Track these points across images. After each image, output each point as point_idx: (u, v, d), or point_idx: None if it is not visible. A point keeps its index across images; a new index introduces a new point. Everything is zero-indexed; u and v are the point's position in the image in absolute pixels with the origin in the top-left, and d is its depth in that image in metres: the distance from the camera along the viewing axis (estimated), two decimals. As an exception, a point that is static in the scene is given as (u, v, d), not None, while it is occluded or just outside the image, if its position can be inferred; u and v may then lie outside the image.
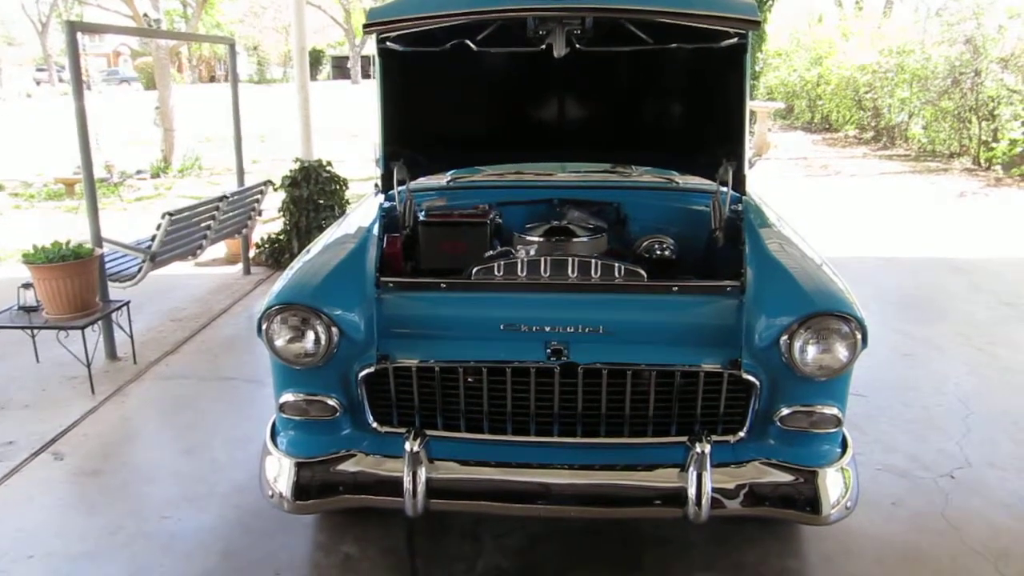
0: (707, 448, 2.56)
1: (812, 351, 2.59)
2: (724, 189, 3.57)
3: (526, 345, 2.73)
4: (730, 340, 2.71)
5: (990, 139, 13.76)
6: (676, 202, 4.09)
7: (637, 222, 4.06)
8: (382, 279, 2.88)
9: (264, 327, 2.72)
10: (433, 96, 3.93)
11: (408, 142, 3.77)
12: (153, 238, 5.68)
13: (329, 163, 7.88)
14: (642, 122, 4.07)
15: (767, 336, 2.63)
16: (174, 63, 23.31)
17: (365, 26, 3.19)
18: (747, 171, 3.60)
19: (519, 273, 2.95)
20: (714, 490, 2.57)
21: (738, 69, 3.47)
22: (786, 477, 2.70)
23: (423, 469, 2.60)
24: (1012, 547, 3.26)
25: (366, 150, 5.08)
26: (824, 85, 21.31)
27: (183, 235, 6.05)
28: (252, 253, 7.80)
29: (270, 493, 2.81)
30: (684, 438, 2.67)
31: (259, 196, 7.28)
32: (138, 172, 13.81)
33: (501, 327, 2.77)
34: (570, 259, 2.95)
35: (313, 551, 3.26)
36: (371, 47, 3.84)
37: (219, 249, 7.79)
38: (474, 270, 3.00)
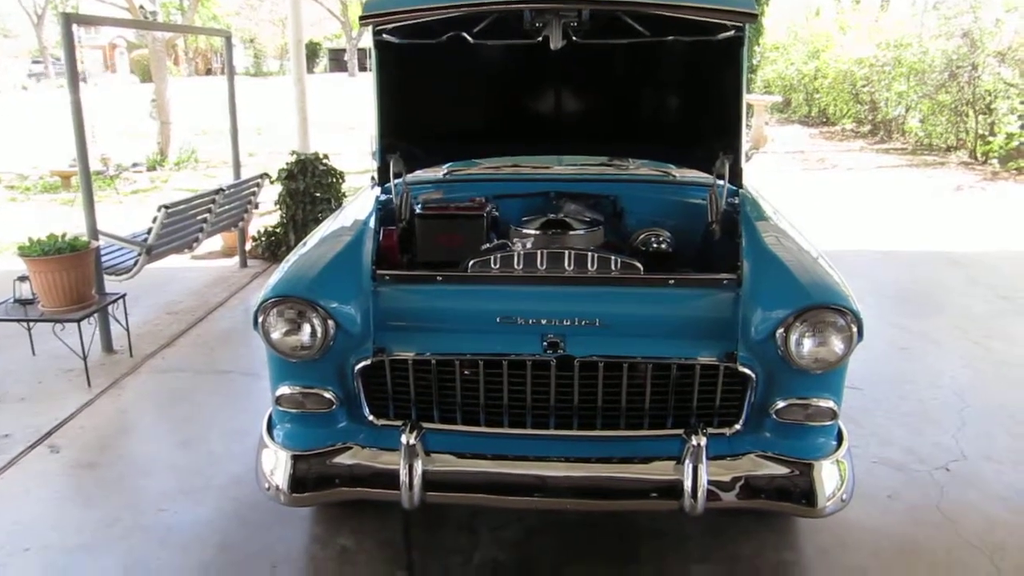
0: (703, 441, 2.56)
1: (808, 344, 2.59)
2: (721, 182, 3.56)
3: (522, 338, 2.73)
4: (726, 333, 2.72)
5: (987, 133, 13.75)
6: (673, 195, 4.09)
7: (634, 215, 4.06)
8: (378, 272, 2.88)
9: (260, 320, 2.72)
10: (429, 89, 3.92)
11: (404, 135, 3.77)
12: (149, 231, 5.66)
13: (325, 156, 7.86)
14: (639, 115, 4.06)
15: (763, 329, 2.63)
16: (170, 56, 23.25)
17: (361, 18, 3.18)
18: (744, 164, 3.59)
19: (515, 266, 2.94)
20: (710, 483, 2.57)
21: (735, 62, 3.46)
22: (782, 470, 2.70)
23: (419, 462, 2.60)
24: (1008, 540, 3.27)
25: (363, 143, 5.07)
26: (821, 79, 21.28)
27: (179, 228, 6.03)
28: (248, 246, 7.79)
29: (266, 486, 2.81)
30: (680, 431, 2.67)
31: (255, 189, 7.27)
32: (134, 165, 13.77)
33: (497, 320, 2.77)
34: (566, 252, 2.95)
35: (310, 543, 3.26)
36: (368, 40, 3.83)
37: (215, 242, 7.79)
38: (470, 263, 3.00)
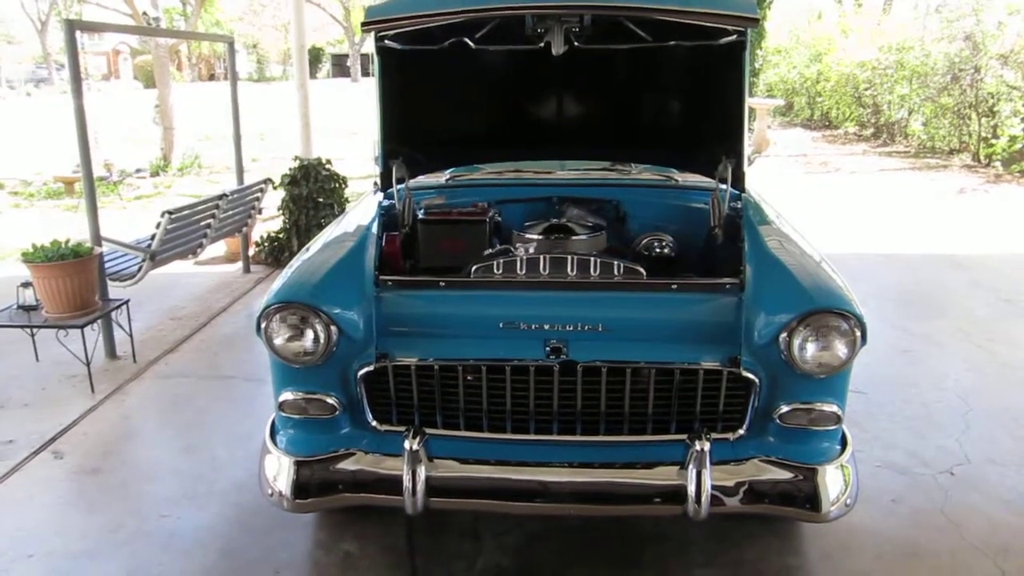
0: (706, 446, 2.56)
1: (811, 348, 2.59)
2: (723, 186, 3.56)
3: (525, 343, 2.73)
4: (729, 337, 2.71)
5: (990, 135, 13.75)
6: (675, 200, 4.09)
7: (636, 220, 4.06)
8: (381, 277, 2.88)
9: (263, 326, 2.72)
10: (432, 94, 3.93)
11: (407, 140, 3.77)
12: (153, 237, 5.67)
13: (328, 161, 7.87)
14: (641, 120, 4.06)
15: (766, 333, 2.63)
16: (174, 61, 23.30)
17: (363, 24, 3.19)
18: (746, 168, 3.60)
19: (518, 271, 2.94)
20: (714, 487, 2.57)
21: (737, 66, 3.46)
22: (786, 474, 2.70)
23: (422, 467, 2.60)
24: (1012, 543, 3.26)
25: (366, 148, 5.09)
26: (824, 82, 21.28)
27: (183, 234, 6.04)
28: (252, 251, 7.79)
29: (269, 492, 2.81)
30: (683, 436, 2.67)
31: (259, 194, 7.27)
32: (137, 171, 13.80)
33: (500, 325, 2.77)
34: (569, 257, 2.95)
35: (313, 549, 3.26)
36: (370, 45, 3.83)
37: (219, 247, 7.79)
38: (473, 268, 3.00)
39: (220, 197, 6.43)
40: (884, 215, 10.15)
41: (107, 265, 5.51)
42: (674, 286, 2.84)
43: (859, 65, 18.60)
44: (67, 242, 4.80)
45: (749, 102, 4.28)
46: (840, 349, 2.59)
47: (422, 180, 4.07)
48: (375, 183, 3.92)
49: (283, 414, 2.86)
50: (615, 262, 2.94)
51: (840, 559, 3.17)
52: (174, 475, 3.84)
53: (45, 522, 3.46)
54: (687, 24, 3.19)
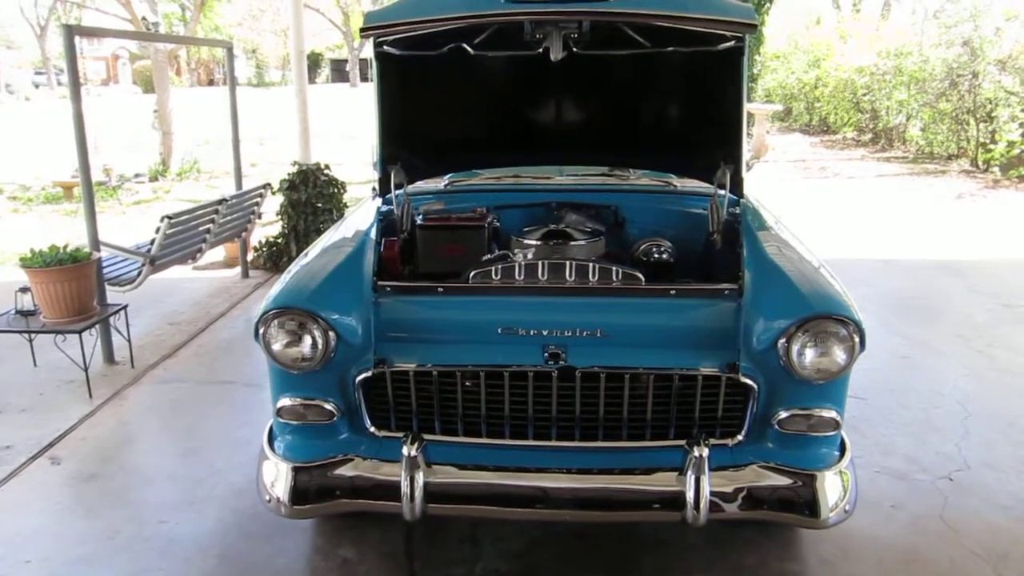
0: (705, 452, 2.55)
1: (810, 354, 2.59)
2: (722, 192, 3.56)
3: (524, 349, 2.73)
4: (728, 343, 2.71)
5: (988, 141, 13.77)
6: (674, 205, 4.09)
7: (635, 225, 4.06)
8: (379, 283, 2.88)
9: (261, 331, 2.72)
10: (430, 100, 3.93)
11: (406, 145, 3.77)
12: (153, 241, 5.67)
13: (327, 166, 7.88)
14: (640, 125, 4.07)
15: (765, 339, 2.63)
16: (173, 66, 23.29)
17: (362, 30, 3.19)
18: (745, 174, 3.59)
19: (517, 277, 2.94)
20: (712, 494, 2.56)
21: (735, 72, 3.47)
22: (784, 480, 2.69)
23: (421, 473, 2.59)
24: (1011, 549, 3.26)
25: (364, 153, 5.09)
26: (822, 87, 21.31)
27: (183, 238, 6.04)
28: (250, 256, 7.79)
29: (267, 497, 2.80)
30: (682, 442, 2.66)
31: (258, 199, 7.28)
32: (136, 175, 13.80)
33: (499, 331, 2.77)
34: (568, 262, 2.95)
35: (311, 555, 3.25)
36: (369, 50, 3.83)
37: (217, 252, 7.79)
38: (471, 274, 3.00)
39: (220, 202, 6.43)
40: (882, 220, 10.16)
41: (106, 270, 5.52)
42: (673, 292, 2.85)
43: (857, 70, 18.64)
44: (65, 247, 4.80)
45: (747, 107, 4.28)
46: (839, 355, 2.59)
47: (421, 185, 4.07)
48: (374, 188, 3.92)
49: (281, 420, 2.85)
50: (614, 267, 2.94)
51: (839, 565, 3.16)
52: (172, 480, 3.84)
53: (43, 528, 3.45)
54: (685, 30, 3.19)
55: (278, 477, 2.78)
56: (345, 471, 2.76)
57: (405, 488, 2.58)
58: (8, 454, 4.09)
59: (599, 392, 2.70)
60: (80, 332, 4.77)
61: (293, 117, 7.88)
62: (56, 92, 41.70)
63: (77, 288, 4.75)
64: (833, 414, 2.71)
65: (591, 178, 4.35)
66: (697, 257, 3.79)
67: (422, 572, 3.15)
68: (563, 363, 2.68)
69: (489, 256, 3.57)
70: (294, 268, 3.03)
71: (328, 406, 2.79)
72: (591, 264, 2.94)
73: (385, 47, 3.54)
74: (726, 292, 2.80)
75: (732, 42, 3.37)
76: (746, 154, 3.67)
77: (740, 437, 2.75)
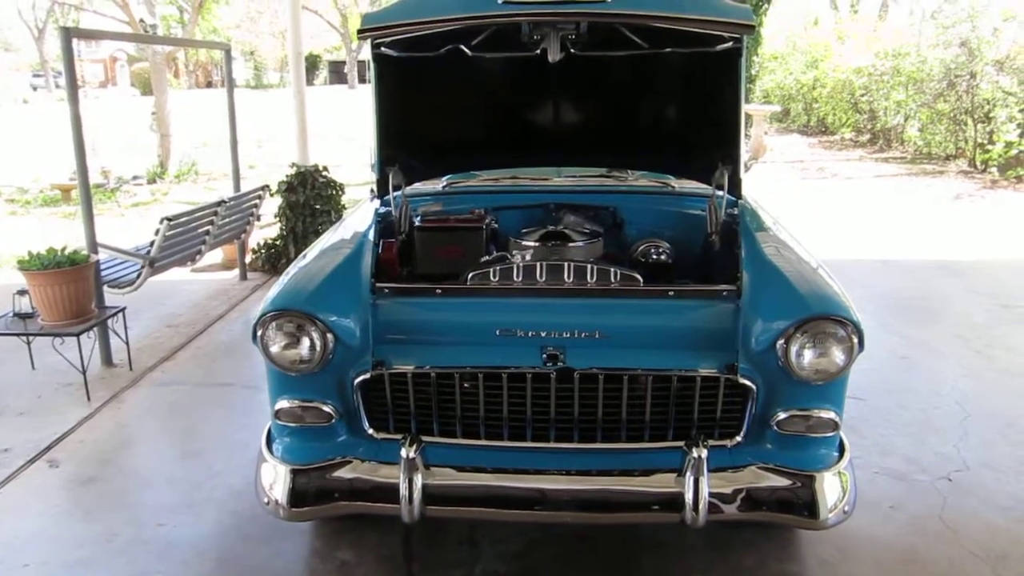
0: (704, 453, 2.55)
1: (808, 355, 2.59)
2: (720, 193, 3.56)
3: (522, 350, 2.72)
4: (726, 344, 2.71)
5: (986, 141, 13.78)
6: (672, 206, 4.09)
7: (633, 226, 4.06)
8: (378, 284, 2.88)
9: (259, 333, 2.71)
10: (428, 101, 3.93)
11: (404, 147, 3.77)
12: (152, 243, 5.67)
13: (325, 168, 7.88)
14: (638, 126, 4.07)
15: (763, 340, 2.62)
16: (171, 68, 23.29)
17: (359, 32, 3.19)
18: (743, 175, 3.59)
19: (515, 278, 2.94)
20: (711, 495, 2.56)
21: (733, 73, 3.46)
22: (783, 481, 2.69)
23: (419, 475, 2.59)
24: (1010, 550, 3.26)
25: (362, 155, 5.10)
26: (820, 88, 21.33)
27: (182, 240, 6.04)
28: (248, 258, 7.79)
29: (266, 500, 2.80)
30: (681, 443, 2.66)
31: (257, 201, 7.28)
32: (135, 178, 13.79)
33: (497, 332, 2.77)
34: (566, 264, 2.95)
35: (309, 557, 3.25)
36: (367, 52, 3.83)
37: (215, 254, 7.79)
38: (470, 275, 2.99)
39: (218, 204, 6.44)
40: (881, 221, 10.17)
41: (105, 272, 5.51)
42: (671, 293, 2.84)
43: (855, 71, 18.65)
44: (63, 250, 4.79)
45: (745, 108, 4.28)
46: (837, 355, 2.59)
47: (419, 187, 4.07)
48: (372, 190, 3.92)
49: (279, 422, 2.85)
50: (612, 269, 2.94)
51: (838, 566, 3.16)
52: (170, 483, 3.83)
53: (41, 531, 3.45)
54: (683, 31, 3.19)
55: (276, 479, 2.78)
56: (343, 473, 2.76)
57: (403, 490, 2.58)
58: (6, 457, 4.08)
59: (598, 393, 2.70)
60: (78, 335, 4.77)
61: (291, 119, 7.88)
62: (54, 95, 41.67)
63: (75, 291, 4.74)
64: (832, 415, 2.70)
65: (589, 179, 4.34)
66: (695, 258, 3.79)
67: (420, 574, 3.15)
68: (561, 364, 2.67)
69: (487, 257, 3.57)
70: (292, 270, 3.02)
71: (326, 408, 2.78)
72: (589, 265, 2.94)
73: (383, 49, 3.54)
74: (724, 293, 2.80)
75: (730, 43, 3.37)
76: (744, 155, 3.67)
77: (739, 438, 2.75)
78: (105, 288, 5.35)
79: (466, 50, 3.60)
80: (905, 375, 5.09)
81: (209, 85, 55.72)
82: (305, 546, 3.30)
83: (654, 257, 3.77)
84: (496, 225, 3.93)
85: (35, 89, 49.00)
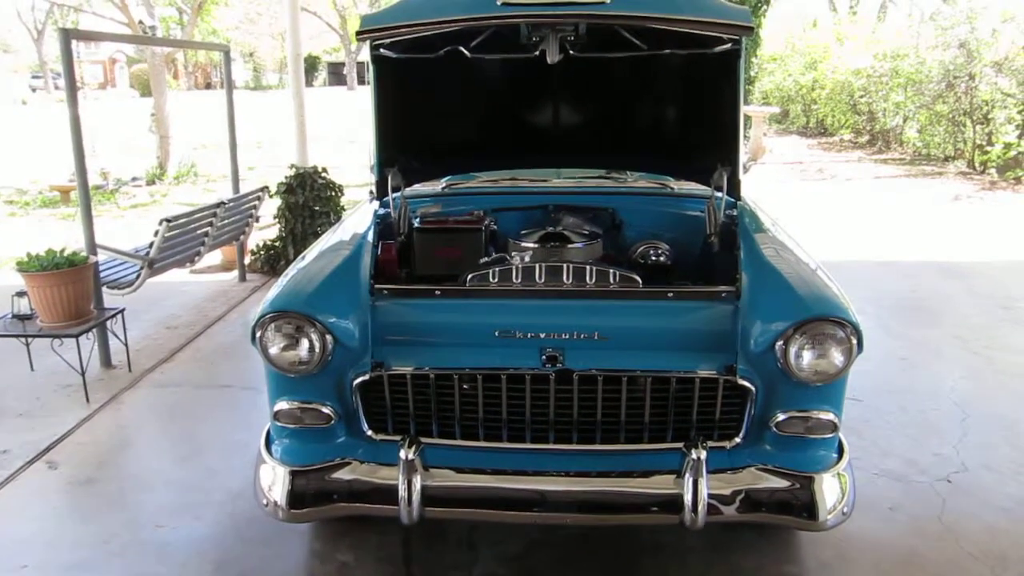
0: (703, 454, 2.55)
1: (808, 356, 2.59)
2: (719, 194, 3.57)
3: (521, 352, 2.72)
4: (725, 346, 2.71)
5: (984, 143, 13.80)
6: (671, 207, 4.09)
7: (632, 228, 4.06)
8: (377, 286, 2.88)
9: (258, 335, 2.71)
10: (428, 102, 3.93)
11: (403, 148, 3.77)
12: (151, 244, 5.67)
13: (324, 169, 7.88)
14: (636, 128, 4.07)
15: (762, 341, 2.62)
16: (170, 70, 23.26)
17: (358, 33, 3.19)
18: (742, 176, 3.59)
19: (514, 279, 2.94)
20: (710, 496, 2.56)
21: (732, 75, 3.46)
22: (782, 483, 2.69)
23: (418, 477, 2.59)
24: (1009, 551, 3.25)
25: (362, 156, 5.10)
26: (819, 89, 21.36)
27: (181, 241, 6.04)
28: (248, 260, 7.79)
29: (265, 502, 2.80)
30: (680, 444, 2.66)
31: (256, 203, 7.28)
32: (134, 179, 13.79)
33: (496, 334, 2.76)
34: (565, 265, 2.94)
35: (308, 559, 3.24)
36: (366, 53, 3.84)
37: (214, 256, 7.79)
38: (469, 277, 2.99)
39: (218, 205, 6.44)
40: (880, 222, 10.17)
41: (105, 273, 5.51)
42: (670, 294, 2.84)
43: (854, 73, 18.67)
44: (62, 251, 4.79)
45: (744, 110, 4.28)
46: (836, 357, 2.59)
47: (418, 188, 4.07)
48: (371, 191, 3.91)
49: (278, 423, 2.85)
50: (611, 270, 2.94)
51: (838, 568, 3.16)
52: (169, 485, 3.83)
53: (39, 533, 3.44)
54: (682, 32, 3.19)
55: (275, 481, 2.77)
56: (343, 475, 2.75)
57: (403, 492, 2.58)
58: (5, 458, 4.07)
59: (597, 395, 2.70)
60: (77, 336, 4.77)
61: (290, 120, 7.89)
62: (53, 96, 41.67)
63: (74, 292, 4.74)
64: (831, 416, 2.70)
65: (588, 181, 4.35)
66: (694, 259, 3.79)
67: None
68: (561, 366, 2.67)
69: (486, 259, 3.57)
70: (291, 271, 3.02)
71: (325, 409, 2.78)
72: (588, 267, 2.94)
73: (382, 50, 3.54)
74: (723, 294, 2.80)
75: (729, 45, 3.37)
76: (743, 156, 3.67)
77: (738, 440, 2.75)
78: (104, 289, 5.35)
79: (465, 52, 3.61)
80: (904, 376, 5.09)
81: (208, 86, 55.74)
82: (304, 548, 3.30)
83: (653, 258, 3.77)
84: (495, 226, 3.93)
85: (34, 90, 49.02)
